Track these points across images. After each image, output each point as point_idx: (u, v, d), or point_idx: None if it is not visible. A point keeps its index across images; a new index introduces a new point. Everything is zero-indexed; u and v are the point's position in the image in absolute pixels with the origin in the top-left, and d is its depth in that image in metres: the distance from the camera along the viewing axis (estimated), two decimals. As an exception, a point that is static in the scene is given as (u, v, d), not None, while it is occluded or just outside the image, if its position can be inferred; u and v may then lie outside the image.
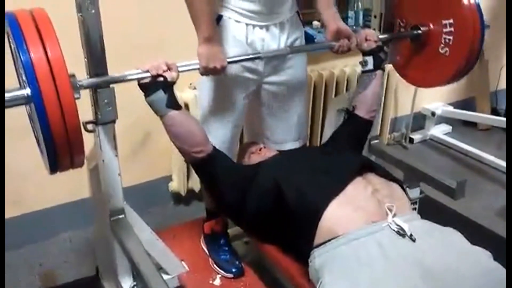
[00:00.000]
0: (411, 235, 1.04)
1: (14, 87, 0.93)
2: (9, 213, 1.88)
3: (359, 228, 1.07)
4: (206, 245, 1.74)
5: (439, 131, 3.02)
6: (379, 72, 1.51)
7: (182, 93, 2.01)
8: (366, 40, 1.48)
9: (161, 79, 1.19)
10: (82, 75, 1.12)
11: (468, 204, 2.18)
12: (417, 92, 2.77)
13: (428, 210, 1.50)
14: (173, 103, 1.21)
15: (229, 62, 1.34)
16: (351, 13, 2.45)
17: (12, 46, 0.95)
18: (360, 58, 1.54)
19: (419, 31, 1.56)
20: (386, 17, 1.68)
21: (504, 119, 2.73)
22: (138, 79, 1.19)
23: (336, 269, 1.04)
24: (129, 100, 1.51)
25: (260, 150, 1.53)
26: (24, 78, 0.91)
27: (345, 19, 2.48)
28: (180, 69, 1.24)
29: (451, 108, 2.97)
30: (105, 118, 1.15)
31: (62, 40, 0.93)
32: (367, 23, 2.24)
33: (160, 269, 1.35)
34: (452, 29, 1.48)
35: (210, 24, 1.35)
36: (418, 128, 3.01)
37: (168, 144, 2.23)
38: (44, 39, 0.90)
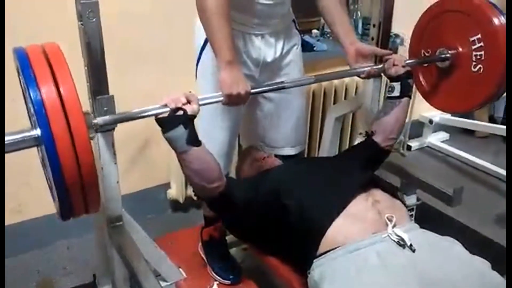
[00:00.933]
0: (410, 245, 1.04)
1: (25, 128, 0.87)
2: (8, 220, 1.88)
3: (359, 239, 1.07)
4: (204, 252, 1.74)
5: (437, 138, 3.03)
6: (405, 99, 1.43)
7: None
8: (394, 65, 1.42)
9: (181, 112, 1.11)
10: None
11: (465, 211, 2.18)
12: (415, 99, 2.78)
13: (425, 217, 1.51)
14: (193, 140, 1.13)
15: (252, 93, 1.28)
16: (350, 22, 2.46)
17: (22, 83, 0.89)
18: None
19: (448, 54, 1.54)
20: (411, 49, 1.67)
21: (502, 126, 2.75)
22: (156, 115, 1.12)
23: (336, 280, 1.05)
24: (128, 108, 1.52)
25: (263, 159, 1.51)
26: (34, 117, 0.84)
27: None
28: (200, 102, 1.17)
29: (448, 116, 2.99)
30: (105, 126, 1.15)
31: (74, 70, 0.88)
32: (366, 32, 2.26)
33: (158, 276, 1.35)
34: (481, 44, 1.45)
35: (231, 46, 1.27)
36: (416, 135, 3.02)
37: (166, 151, 2.23)
38: (56, 76, 0.83)
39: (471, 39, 1.47)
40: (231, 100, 1.25)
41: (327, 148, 1.86)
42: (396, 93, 1.43)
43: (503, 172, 2.59)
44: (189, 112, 1.11)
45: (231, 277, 1.64)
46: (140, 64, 1.97)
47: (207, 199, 1.28)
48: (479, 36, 1.45)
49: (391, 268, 1.01)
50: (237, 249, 1.81)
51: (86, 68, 1.13)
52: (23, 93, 0.94)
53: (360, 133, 1.60)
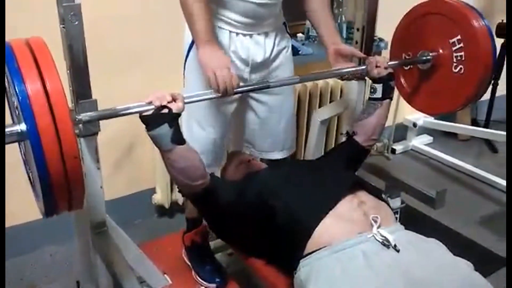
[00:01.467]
0: (395, 245, 1.05)
1: (7, 123, 0.86)
2: (-12, 227, 1.85)
3: (345, 239, 1.08)
4: (188, 257, 1.72)
5: (421, 141, 3.07)
6: (386, 101, 1.46)
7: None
8: (376, 66, 1.44)
9: (166, 110, 1.09)
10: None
11: (448, 213, 2.21)
12: (399, 103, 2.82)
13: (409, 219, 1.52)
14: (178, 138, 1.12)
15: (237, 92, 1.27)
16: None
17: (7, 77, 0.87)
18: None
19: (429, 56, 1.57)
20: (392, 52, 1.69)
21: (484, 129, 2.80)
22: (140, 112, 1.10)
23: (321, 280, 1.05)
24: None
25: (249, 162, 1.52)
26: (19, 112, 0.82)
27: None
28: (186, 100, 1.15)
29: (432, 119, 3.03)
30: (87, 131, 1.14)
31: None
32: (350, 36, 2.28)
33: (142, 282, 1.33)
34: (461, 45, 1.48)
35: (209, 29, 1.30)
36: (400, 138, 3.06)
37: (151, 156, 2.22)
38: (42, 70, 0.81)
39: (451, 40, 1.50)
40: (216, 81, 1.23)
41: (313, 150, 1.87)
42: (378, 94, 1.45)
43: (485, 174, 2.63)
44: (174, 110, 1.10)
45: (217, 280, 1.63)
46: (126, 66, 1.95)
47: (191, 195, 1.29)
48: (459, 37, 1.48)
49: (376, 268, 1.02)
50: (223, 254, 1.80)
51: (68, 71, 1.12)
52: (5, 90, 0.93)
53: (341, 133, 1.62)
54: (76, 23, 1.06)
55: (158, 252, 1.71)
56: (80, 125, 1.14)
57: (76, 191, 0.88)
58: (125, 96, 1.97)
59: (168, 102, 1.10)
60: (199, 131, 1.48)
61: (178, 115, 1.12)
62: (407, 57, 1.64)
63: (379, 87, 1.45)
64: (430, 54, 1.57)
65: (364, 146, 1.47)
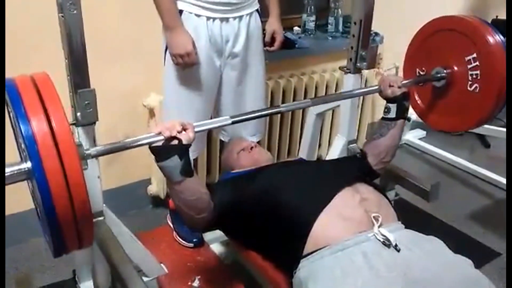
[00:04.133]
0: (396, 245, 1.05)
1: (14, 161, 0.84)
2: (-17, 216, 1.84)
3: (345, 238, 1.07)
4: (172, 219, 1.82)
5: (414, 136, 3.09)
6: (400, 121, 1.41)
7: (148, 98, 2.00)
8: (390, 86, 1.40)
9: (176, 142, 1.05)
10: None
11: (442, 206, 2.24)
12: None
13: (403, 212, 1.53)
14: (188, 170, 1.09)
15: (238, 121, 1.25)
16: (331, 20, 2.49)
17: (12, 115, 0.86)
18: (339, 62, 1.57)
19: (443, 74, 1.54)
20: (406, 68, 1.66)
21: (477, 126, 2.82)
22: (150, 143, 1.07)
23: (321, 280, 1.05)
24: (109, 102, 1.51)
25: (251, 148, 1.52)
26: (24, 150, 0.81)
27: (325, 25, 2.53)
28: (196, 129, 1.11)
29: (425, 114, 3.04)
30: (85, 120, 1.14)
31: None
32: (347, 30, 2.29)
33: (139, 271, 1.34)
34: (477, 63, 1.45)
35: (174, 13, 1.48)
36: (394, 132, 3.07)
37: (146, 147, 2.22)
38: (47, 108, 0.80)
39: (467, 58, 1.47)
40: (180, 60, 1.50)
41: (308, 144, 1.88)
42: (392, 114, 1.40)
43: (477, 168, 2.66)
44: (184, 142, 1.06)
45: (194, 240, 1.74)
46: (118, 58, 1.94)
47: (192, 227, 1.27)
48: (474, 55, 1.45)
49: (376, 268, 1.01)
50: (219, 244, 1.81)
51: (66, 60, 1.12)
52: (12, 127, 0.90)
53: (357, 153, 1.53)
54: (75, 12, 1.06)
55: (154, 242, 1.72)
56: (78, 114, 1.14)
57: (85, 230, 0.85)
58: (122, 85, 1.99)
59: (178, 133, 1.06)
60: (182, 116, 1.57)
61: (189, 146, 1.08)
62: (421, 72, 1.62)
63: (393, 107, 1.39)
64: (445, 71, 1.54)
65: (375, 170, 1.42)
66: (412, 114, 2.92)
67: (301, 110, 2.38)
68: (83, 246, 0.91)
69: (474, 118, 1.53)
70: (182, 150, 1.06)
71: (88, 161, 1.18)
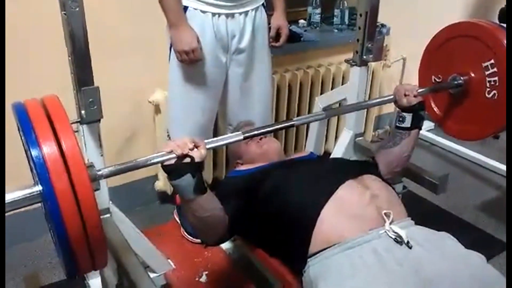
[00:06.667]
0: (407, 242, 1.03)
1: (27, 184, 0.84)
2: (-8, 214, 1.86)
3: (355, 236, 1.05)
4: (178, 215, 1.83)
5: (422, 128, 3.06)
6: (414, 131, 1.36)
7: (153, 94, 2.00)
8: (405, 95, 1.35)
9: (188, 160, 1.03)
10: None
11: (450, 198, 2.22)
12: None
13: (411, 204, 1.52)
14: (201, 188, 1.06)
15: (254, 136, 1.23)
16: (337, 12, 2.47)
17: (23, 140, 0.85)
18: (346, 55, 1.56)
19: (460, 81, 1.50)
20: (421, 75, 1.61)
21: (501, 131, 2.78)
22: (162, 162, 1.04)
23: (331, 278, 1.03)
24: (115, 99, 1.50)
25: (260, 138, 1.48)
26: (35, 175, 0.81)
27: (331, 18, 2.51)
28: (208, 145, 1.09)
29: (433, 105, 3.01)
30: (90, 118, 1.14)
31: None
32: (353, 22, 2.26)
33: (146, 267, 1.35)
34: (495, 69, 1.41)
35: (178, 10, 1.47)
36: (401, 125, 3.05)
37: (153, 142, 2.23)
38: (58, 131, 0.80)
39: (484, 64, 1.43)
40: (185, 57, 1.50)
41: (315, 137, 1.87)
42: (407, 124, 1.35)
43: (486, 160, 2.64)
44: (196, 159, 1.03)
45: None
46: (123, 54, 1.94)
47: (209, 243, 1.26)
48: (492, 61, 1.41)
49: (388, 265, 1.00)
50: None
51: (70, 58, 1.12)
52: (24, 148, 0.89)
53: (368, 158, 1.47)
54: (77, 9, 1.05)
55: (161, 237, 1.73)
56: (82, 111, 1.14)
57: (98, 252, 0.85)
58: (127, 82, 1.98)
59: (190, 150, 1.04)
60: (188, 114, 1.58)
61: (201, 163, 1.05)
62: (437, 79, 1.59)
63: (408, 116, 1.34)
64: (462, 78, 1.50)
65: (386, 179, 1.34)
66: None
67: (307, 104, 2.37)
68: (97, 268, 0.90)
69: (492, 126, 1.49)
70: (195, 167, 1.04)
71: (93, 156, 1.20)
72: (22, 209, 2.11)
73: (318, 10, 2.42)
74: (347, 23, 2.48)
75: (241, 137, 1.17)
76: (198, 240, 1.72)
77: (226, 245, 1.77)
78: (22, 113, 0.83)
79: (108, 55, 1.79)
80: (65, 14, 1.06)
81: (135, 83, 2.01)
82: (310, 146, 1.89)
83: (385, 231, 1.05)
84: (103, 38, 1.66)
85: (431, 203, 2.21)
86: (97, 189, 0.88)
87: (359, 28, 1.63)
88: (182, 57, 1.52)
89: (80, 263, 0.85)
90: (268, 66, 1.73)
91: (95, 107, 1.14)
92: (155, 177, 2.21)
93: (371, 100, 1.41)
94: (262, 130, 1.24)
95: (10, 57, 1.66)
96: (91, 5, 1.14)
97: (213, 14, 1.51)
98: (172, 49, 1.58)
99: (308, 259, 1.09)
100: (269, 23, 1.71)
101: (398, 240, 1.03)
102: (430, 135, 2.98)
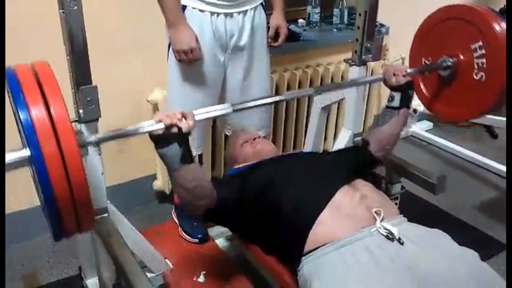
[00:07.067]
0: (399, 238, 1.04)
1: (15, 147, 0.85)
2: (-10, 213, 1.85)
3: (348, 235, 1.07)
4: (176, 215, 1.83)
5: (420, 128, 3.07)
6: (403, 110, 1.40)
7: (152, 93, 1.99)
8: (394, 75, 1.39)
9: (175, 130, 1.06)
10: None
11: (448, 199, 2.22)
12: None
13: (409, 205, 1.53)
14: (187, 158, 1.09)
15: (239, 109, 1.23)
16: (336, 11, 2.46)
17: (12, 104, 0.86)
18: (345, 54, 1.56)
19: (449, 63, 1.52)
20: (411, 57, 1.63)
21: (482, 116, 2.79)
22: (150, 131, 1.07)
23: (325, 276, 1.04)
24: (113, 98, 1.50)
25: (254, 140, 1.51)
26: (23, 137, 0.82)
27: (330, 17, 2.51)
28: (197, 117, 1.12)
29: (432, 105, 3.01)
30: (88, 117, 1.14)
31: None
32: (352, 21, 2.26)
33: (144, 267, 1.34)
34: (483, 51, 1.42)
35: (176, 9, 1.47)
36: (400, 125, 3.05)
37: (151, 142, 2.22)
38: (47, 96, 0.81)
39: (472, 46, 1.45)
40: (183, 56, 1.50)
41: (313, 137, 1.86)
42: (396, 103, 1.39)
43: (484, 160, 2.64)
44: (184, 130, 1.07)
45: (199, 236, 1.74)
46: (121, 54, 1.94)
47: (194, 213, 1.26)
48: (480, 43, 1.43)
49: (380, 262, 1.01)
50: (223, 239, 1.81)
51: (68, 57, 1.11)
52: (14, 115, 0.90)
53: (358, 139, 1.53)
54: (75, 8, 1.05)
55: (159, 237, 1.72)
56: (81, 110, 1.14)
57: (83, 215, 0.87)
58: (126, 81, 1.98)
59: (178, 120, 1.07)
60: (186, 109, 1.57)
61: (188, 134, 1.09)
62: (426, 62, 1.60)
63: (397, 95, 1.39)
64: (451, 60, 1.51)
65: (376, 157, 1.42)
66: (419, 105, 2.95)
67: (306, 104, 2.37)
68: (82, 230, 0.92)
69: (479, 107, 1.52)
70: (182, 138, 1.07)
71: (92, 157, 1.19)
72: (20, 209, 2.11)
73: (317, 10, 2.42)
74: (346, 22, 2.48)
75: (230, 109, 1.19)
76: (196, 240, 1.73)
77: (224, 245, 1.77)
78: (12, 78, 0.83)
79: (107, 55, 1.79)
80: (63, 12, 1.05)
81: (134, 82, 2.01)
82: (308, 146, 1.89)
83: (377, 229, 1.07)
84: (102, 37, 1.65)
85: (429, 203, 2.21)
86: (85, 155, 0.90)
87: (358, 27, 1.62)
88: (181, 57, 1.51)
89: (66, 224, 0.87)
90: (267, 65, 1.73)
91: (93, 106, 1.13)
92: (154, 177, 2.21)
93: (360, 79, 1.47)
94: (253, 103, 1.27)
95: (10, 57, 1.65)
96: (90, 4, 1.13)
97: (212, 13, 1.51)
98: (170, 48, 1.57)
99: (302, 258, 1.11)
100: (268, 23, 1.71)
101: (390, 237, 1.05)
102: (429, 135, 2.98)
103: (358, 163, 1.38)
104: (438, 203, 2.24)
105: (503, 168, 2.52)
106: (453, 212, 2.23)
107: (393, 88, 1.41)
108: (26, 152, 0.82)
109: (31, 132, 0.78)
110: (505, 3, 2.72)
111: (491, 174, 2.57)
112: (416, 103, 2.96)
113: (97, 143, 1.05)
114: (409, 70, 1.44)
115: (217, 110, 1.20)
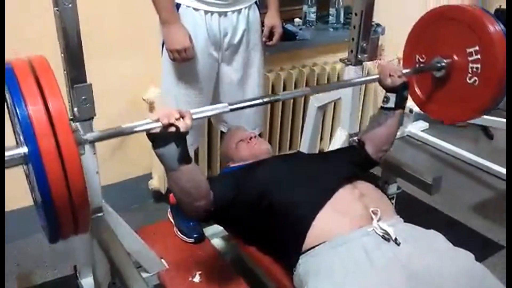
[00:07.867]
0: (395, 239, 1.04)
1: (11, 146, 0.83)
2: (-16, 212, 1.84)
3: (345, 233, 1.07)
4: (172, 215, 1.81)
5: (417, 128, 3.07)
6: (398, 111, 1.40)
7: (147, 92, 1.99)
8: (390, 76, 1.38)
9: (173, 129, 1.05)
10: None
11: (444, 199, 2.23)
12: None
13: (405, 205, 1.53)
14: (185, 158, 1.07)
15: (236, 108, 1.22)
16: (332, 11, 2.47)
17: (9, 100, 0.85)
18: (341, 54, 1.55)
19: (443, 63, 1.51)
20: (406, 54, 1.64)
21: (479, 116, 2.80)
22: (147, 130, 1.05)
23: (321, 275, 1.04)
24: (107, 96, 1.49)
25: (250, 139, 1.51)
26: (21, 134, 0.80)
27: (326, 17, 2.50)
28: (194, 116, 1.10)
29: (428, 105, 3.02)
30: (83, 115, 1.13)
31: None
32: (348, 21, 2.26)
33: (139, 267, 1.34)
34: (478, 56, 1.42)
35: (170, 8, 1.47)
36: (396, 125, 3.05)
37: (147, 141, 2.21)
38: (45, 92, 0.79)
39: (468, 50, 1.44)
40: (177, 55, 1.49)
41: (309, 137, 1.86)
42: (391, 104, 1.39)
43: (480, 160, 2.65)
44: (182, 129, 1.05)
45: (195, 235, 1.72)
46: (116, 52, 1.93)
47: (190, 214, 1.24)
48: (476, 48, 1.42)
49: (376, 262, 1.01)
50: (220, 240, 1.80)
51: (62, 55, 1.10)
52: (9, 112, 0.89)
53: (353, 139, 1.53)
54: (70, 5, 1.05)
55: (154, 237, 1.71)
56: (75, 109, 1.13)
57: (81, 216, 0.85)
58: (121, 80, 1.97)
59: (176, 120, 1.05)
60: (180, 106, 1.57)
61: (186, 133, 1.07)
62: (420, 59, 1.60)
63: (392, 96, 1.38)
64: (445, 61, 1.51)
65: (374, 158, 1.42)
66: (414, 106, 2.95)
67: (302, 103, 2.37)
68: (79, 232, 0.90)
69: (471, 110, 1.52)
70: (180, 137, 1.06)
71: (87, 156, 1.18)
72: (15, 207, 2.09)
73: (314, 9, 2.42)
74: (342, 22, 2.48)
75: (227, 108, 1.19)
76: (192, 240, 1.72)
77: (219, 245, 1.76)
78: (9, 74, 0.81)
79: (102, 53, 1.78)
80: (57, 10, 1.05)
81: (129, 81, 2.00)
82: (304, 146, 1.89)
83: (373, 229, 1.07)
84: (96, 36, 1.64)
85: (425, 203, 2.22)
86: (82, 154, 0.88)
87: (354, 27, 1.62)
88: (174, 56, 1.51)
89: (63, 226, 0.84)
90: (261, 64, 1.73)
91: (88, 104, 1.13)
92: (150, 176, 2.21)
93: (356, 79, 1.48)
94: (249, 103, 1.27)
95: (9, 56, 1.64)
96: (85, 3, 1.12)
97: (206, 12, 1.51)
98: (164, 46, 1.57)
99: (300, 256, 1.10)
100: (262, 22, 1.70)
101: (386, 237, 1.05)
102: (425, 135, 2.99)
103: (356, 163, 1.38)
104: (434, 203, 2.25)
105: (498, 168, 2.53)
106: (448, 213, 2.23)
107: (388, 89, 1.41)
108: (21, 150, 0.80)
109: (29, 127, 0.76)
110: (500, 4, 2.73)
111: (486, 174, 2.58)
112: (412, 102, 2.99)
113: (93, 142, 1.04)
114: (404, 71, 1.44)
115: (214, 109, 1.20)
